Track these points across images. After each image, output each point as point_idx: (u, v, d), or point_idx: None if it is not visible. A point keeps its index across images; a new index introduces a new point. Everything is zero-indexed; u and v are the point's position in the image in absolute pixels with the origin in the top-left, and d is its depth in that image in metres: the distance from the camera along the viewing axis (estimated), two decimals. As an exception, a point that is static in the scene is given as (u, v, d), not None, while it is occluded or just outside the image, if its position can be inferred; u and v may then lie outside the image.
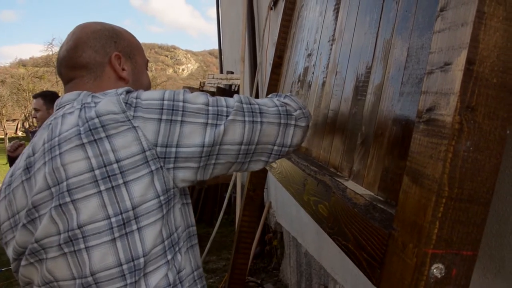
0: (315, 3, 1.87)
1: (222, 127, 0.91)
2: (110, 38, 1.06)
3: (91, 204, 0.84)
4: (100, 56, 1.04)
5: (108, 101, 0.88)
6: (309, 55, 1.82)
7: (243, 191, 4.78)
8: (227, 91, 6.55)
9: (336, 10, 1.54)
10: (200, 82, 8.46)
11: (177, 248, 0.94)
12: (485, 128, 0.67)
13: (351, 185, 1.06)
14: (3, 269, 4.85)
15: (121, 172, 0.84)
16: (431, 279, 0.69)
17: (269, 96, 1.11)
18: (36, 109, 3.34)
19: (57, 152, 0.86)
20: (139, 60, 1.13)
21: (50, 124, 0.95)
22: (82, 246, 0.84)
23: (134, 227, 0.86)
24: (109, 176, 0.84)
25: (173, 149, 0.87)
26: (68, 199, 0.84)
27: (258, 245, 4.44)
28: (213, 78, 7.60)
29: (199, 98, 0.93)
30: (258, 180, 2.47)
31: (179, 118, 0.88)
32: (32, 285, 0.95)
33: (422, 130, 0.73)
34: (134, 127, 0.86)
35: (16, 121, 39.51)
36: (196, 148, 0.89)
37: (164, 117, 0.87)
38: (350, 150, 1.18)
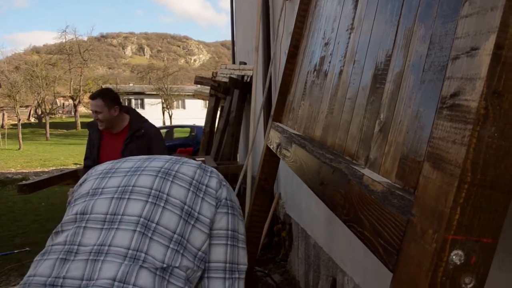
0: (334, -9, 1.85)
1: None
2: None
3: (173, 218, 1.19)
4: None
5: (212, 179, 1.35)
6: (326, 44, 1.81)
7: (253, 182, 4.78)
8: (240, 82, 6.54)
9: (356, -2, 1.52)
10: (213, 72, 8.47)
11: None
12: (511, 114, 0.66)
13: (367, 172, 1.05)
14: (15, 251, 4.92)
15: (196, 219, 1.24)
16: (450, 266, 0.68)
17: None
18: (96, 112, 2.97)
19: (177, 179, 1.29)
20: None
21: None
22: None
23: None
24: (189, 216, 1.23)
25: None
26: (160, 204, 1.20)
27: (266, 236, 4.45)
28: (225, 68, 7.59)
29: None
30: (270, 169, 2.48)
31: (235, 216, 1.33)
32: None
33: (445, 116, 0.73)
34: (216, 207, 1.30)
35: (29, 108, 39.92)
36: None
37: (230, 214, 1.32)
38: (367, 138, 1.17)
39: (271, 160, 2.44)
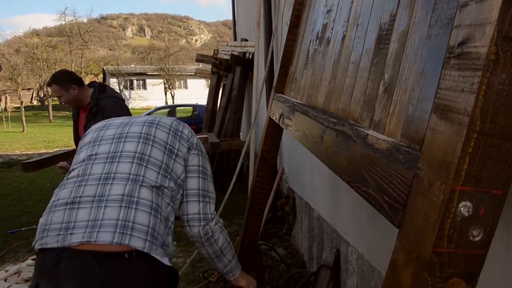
0: (336, -44, 1.80)
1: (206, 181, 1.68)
2: None
3: (157, 152, 1.56)
4: None
5: (185, 125, 1.73)
6: (329, 11, 1.77)
7: (256, 158, 4.78)
8: (241, 59, 6.48)
9: (359, -40, 1.48)
10: (214, 49, 8.39)
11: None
12: (522, 60, 0.64)
13: (372, 133, 1.04)
14: (23, 229, 4.97)
15: (176, 154, 1.59)
16: (457, 217, 0.67)
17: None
18: (57, 96, 3.21)
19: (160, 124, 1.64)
20: None
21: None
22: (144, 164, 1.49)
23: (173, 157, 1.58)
24: (171, 151, 1.59)
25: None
26: (148, 142, 1.54)
27: (270, 210, 4.47)
28: (227, 45, 7.52)
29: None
30: (273, 141, 2.47)
31: (200, 154, 1.67)
32: None
33: (453, 65, 0.71)
34: (189, 147, 1.67)
35: (31, 90, 39.84)
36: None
37: (199, 153, 1.68)
38: (371, 100, 1.15)
39: (273, 131, 2.43)
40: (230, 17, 9.21)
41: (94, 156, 1.50)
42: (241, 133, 7.21)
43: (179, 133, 1.62)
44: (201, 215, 1.58)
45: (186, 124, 1.70)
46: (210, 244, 1.61)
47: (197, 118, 13.65)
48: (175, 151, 1.56)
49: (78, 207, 1.34)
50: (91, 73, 36.42)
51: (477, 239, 0.69)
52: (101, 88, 3.16)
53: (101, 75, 38.27)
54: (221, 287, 3.20)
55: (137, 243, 1.29)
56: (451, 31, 0.78)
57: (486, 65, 0.63)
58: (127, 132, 1.56)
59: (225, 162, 6.49)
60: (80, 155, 1.55)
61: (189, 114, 15.42)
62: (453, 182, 0.66)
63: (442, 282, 0.69)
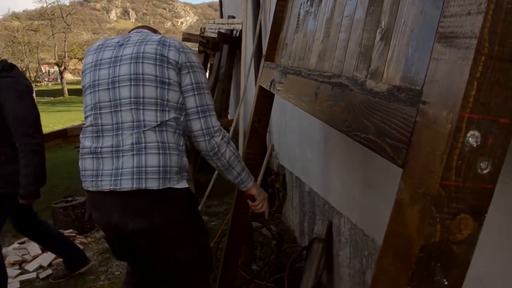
0: None
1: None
2: None
3: (149, 67, 1.63)
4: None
5: (171, 41, 1.69)
6: (320, -31, 1.72)
7: (245, 139, 4.74)
8: (229, 37, 6.39)
9: None
10: (201, 28, 8.26)
11: (182, 113, 1.72)
12: (534, -23, 0.60)
13: (370, 82, 1.00)
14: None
15: (167, 62, 1.65)
16: (466, 148, 0.64)
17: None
18: None
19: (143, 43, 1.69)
20: None
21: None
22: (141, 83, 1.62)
23: (166, 86, 1.64)
24: (161, 60, 1.65)
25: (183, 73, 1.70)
26: (137, 60, 1.63)
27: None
28: (214, 23, 7.40)
29: (202, 78, 1.73)
30: (263, 111, 2.43)
31: (191, 70, 1.68)
32: None
33: (459, -10, 0.67)
34: (179, 53, 1.68)
35: (13, 76, 38.95)
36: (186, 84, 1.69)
37: (188, 64, 1.70)
38: (367, 51, 1.11)
39: (264, 100, 2.38)
40: (216, -2, 9.05)
41: (99, 105, 1.66)
42: (229, 111, 7.15)
43: (166, 59, 1.62)
44: (204, 131, 1.68)
45: (172, 43, 1.67)
46: (218, 158, 1.72)
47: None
48: (166, 80, 1.61)
49: (102, 157, 1.61)
50: (75, 57, 35.77)
51: (485, 171, 0.66)
52: (6, 67, 2.78)
53: (85, 60, 37.45)
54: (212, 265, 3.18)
55: (152, 184, 1.56)
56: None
57: (495, -18, 0.59)
58: (117, 75, 1.63)
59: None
60: (86, 94, 1.72)
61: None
62: (461, 109, 0.62)
63: (450, 219, 0.66)
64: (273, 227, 4.08)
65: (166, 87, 1.61)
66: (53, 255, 3.53)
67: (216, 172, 4.53)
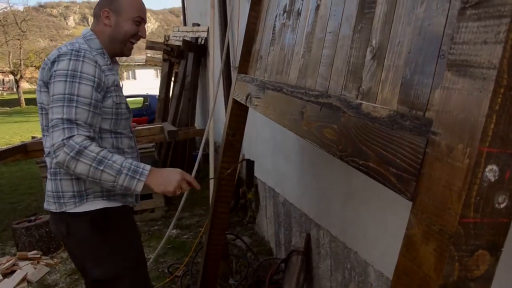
0: None
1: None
2: (109, 0, 1.69)
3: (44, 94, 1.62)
4: (100, 9, 1.71)
5: (54, 51, 1.62)
6: (296, -18, 1.68)
7: (215, 148, 4.65)
8: (194, 45, 6.30)
9: None
10: (165, 36, 8.11)
11: None
12: (551, 4, 0.57)
13: (365, 104, 0.96)
14: None
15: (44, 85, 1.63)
16: (484, 183, 0.60)
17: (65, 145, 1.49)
18: None
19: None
20: (124, 16, 1.70)
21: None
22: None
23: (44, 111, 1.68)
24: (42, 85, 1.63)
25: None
26: (38, 89, 1.64)
27: (232, 199, 4.37)
28: (178, 31, 7.28)
29: (59, 88, 1.54)
30: (238, 124, 2.37)
31: (51, 80, 1.58)
32: None
33: (470, 16, 0.63)
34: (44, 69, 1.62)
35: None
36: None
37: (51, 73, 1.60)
38: (357, 69, 1.07)
39: (238, 114, 2.33)
40: (177, 5, 8.96)
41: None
42: (196, 120, 7.04)
43: (40, 82, 1.62)
44: (51, 149, 1.51)
45: (47, 58, 1.63)
46: (77, 175, 1.51)
47: (148, 109, 13.24)
48: (43, 105, 1.62)
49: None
50: (31, 65, 34.52)
51: (502, 206, 0.63)
52: None
53: (43, 68, 36.27)
54: (188, 281, 3.09)
55: (51, 207, 1.66)
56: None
57: (514, 10, 0.56)
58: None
59: (181, 152, 6.32)
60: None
61: (140, 105, 14.91)
62: (480, 144, 0.59)
63: (468, 256, 0.62)
64: (247, 238, 4.02)
65: (44, 112, 1.63)
66: (17, 281, 3.33)
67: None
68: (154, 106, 10.74)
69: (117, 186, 1.49)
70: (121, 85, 1.79)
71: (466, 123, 0.61)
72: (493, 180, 0.61)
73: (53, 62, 1.56)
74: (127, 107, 1.78)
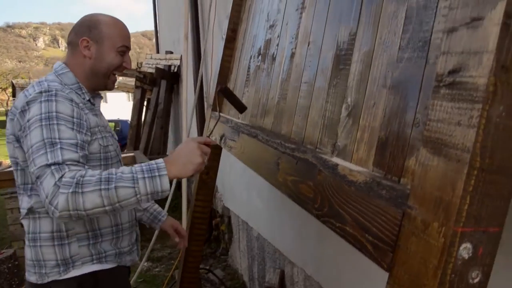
0: (276, -29, 1.75)
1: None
2: (87, 27, 1.47)
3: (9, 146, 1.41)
4: (77, 38, 1.47)
5: (21, 96, 1.37)
6: (272, 26, 1.71)
7: (191, 187, 4.60)
8: (167, 72, 6.29)
9: (305, -24, 1.43)
10: (137, 63, 8.08)
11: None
12: (518, 90, 0.60)
13: (339, 161, 0.97)
14: None
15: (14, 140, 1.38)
16: (458, 261, 0.62)
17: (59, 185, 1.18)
18: None
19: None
20: (106, 45, 1.47)
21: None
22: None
23: (18, 167, 1.41)
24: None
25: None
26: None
27: (205, 236, 4.31)
28: (151, 58, 7.27)
29: (34, 138, 1.27)
30: (211, 162, 2.35)
31: (23, 134, 1.32)
32: None
33: (444, 95, 0.65)
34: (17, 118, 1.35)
35: None
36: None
37: (22, 126, 1.33)
38: (332, 124, 1.09)
39: (212, 152, 2.31)
40: (149, 28, 9.01)
41: None
42: (168, 148, 6.98)
43: (11, 136, 1.39)
44: (46, 200, 1.17)
45: (13, 107, 1.37)
46: (92, 213, 1.18)
47: (120, 134, 13.03)
48: (18, 160, 1.39)
49: None
50: (-2, 87, 33.69)
51: (475, 281, 0.64)
52: None
53: (10, 89, 35.59)
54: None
55: (31, 278, 1.42)
56: (427, 54, 0.74)
57: (485, 97, 0.58)
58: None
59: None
60: None
61: (111, 130, 14.72)
62: (454, 224, 0.60)
63: (442, 333, 0.63)
64: (219, 270, 3.96)
65: (18, 168, 1.39)
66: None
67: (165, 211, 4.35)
68: (126, 131, 10.59)
69: (142, 198, 1.18)
70: (106, 124, 1.56)
71: (441, 201, 0.62)
72: (467, 257, 0.62)
73: (22, 112, 1.32)
74: (116, 149, 1.55)
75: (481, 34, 0.60)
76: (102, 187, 1.14)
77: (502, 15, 0.57)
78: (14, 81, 34.78)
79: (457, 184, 0.60)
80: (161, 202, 5.86)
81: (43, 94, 1.31)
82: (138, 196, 1.16)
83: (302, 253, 2.32)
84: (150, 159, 4.96)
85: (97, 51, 1.46)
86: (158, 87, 6.41)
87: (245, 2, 2.19)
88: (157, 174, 1.18)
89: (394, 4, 0.91)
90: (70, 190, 1.13)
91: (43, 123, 1.26)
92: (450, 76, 0.64)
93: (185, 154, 1.24)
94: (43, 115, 1.27)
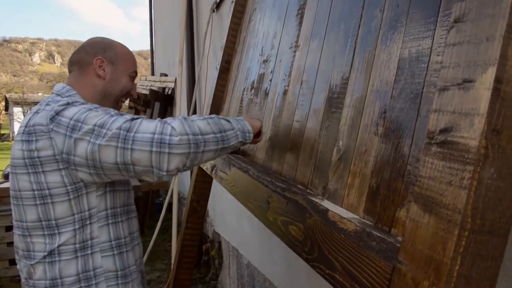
0: (272, 6, 1.78)
1: (96, 147, 1.14)
2: (101, 47, 1.42)
3: (23, 178, 1.22)
4: (89, 57, 1.39)
5: (42, 115, 1.22)
6: (265, 61, 1.73)
7: (179, 198, 4.57)
8: (160, 94, 6.31)
9: (300, 15, 1.45)
10: (131, 83, 8.10)
11: (87, 222, 1.26)
12: (508, 153, 0.60)
13: (330, 206, 0.97)
14: None
15: (40, 164, 1.20)
16: (449, 323, 0.61)
17: (164, 120, 1.19)
18: None
19: (16, 139, 1.27)
20: (120, 68, 1.43)
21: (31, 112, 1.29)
22: (21, 203, 1.25)
23: (49, 200, 1.21)
24: (33, 165, 1.20)
25: (71, 157, 1.17)
26: (13, 171, 1.26)
27: (194, 264, 4.26)
28: (145, 80, 7.30)
29: (93, 120, 1.16)
30: (202, 190, 2.35)
31: (75, 136, 1.16)
32: None
33: (435, 153, 0.66)
34: (51, 137, 1.18)
35: None
36: (81, 159, 1.17)
37: (68, 133, 1.17)
38: (323, 166, 1.09)
39: (203, 180, 2.31)
40: (144, 48, 9.08)
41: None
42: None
43: (36, 159, 1.19)
44: (153, 161, 1.13)
45: (37, 124, 1.20)
46: (204, 143, 1.18)
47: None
48: (46, 191, 1.20)
49: None
50: (-10, 101, 33.57)
51: None
52: None
53: (3, 103, 35.47)
54: None
55: None
56: (419, 106, 0.75)
57: (477, 159, 0.59)
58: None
59: (143, 204, 6.17)
60: None
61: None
62: (445, 285, 0.60)
63: None
64: (208, 297, 3.90)
65: (49, 200, 1.21)
66: None
67: (154, 235, 4.31)
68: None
69: (238, 133, 1.28)
70: None
71: (431, 260, 0.62)
72: (457, 320, 0.61)
73: (55, 123, 1.18)
74: None
75: (472, 97, 0.61)
76: (206, 117, 1.24)
77: (492, 80, 0.58)
78: (7, 95, 34.68)
79: (448, 244, 0.60)
80: (152, 223, 5.80)
81: (70, 103, 1.23)
82: (235, 130, 1.28)
83: (292, 283, 2.30)
84: (141, 181, 4.91)
85: (112, 73, 1.40)
86: (152, 108, 6.43)
87: (240, 34, 2.22)
88: (242, 119, 1.34)
89: (386, 53, 0.92)
90: (180, 118, 1.19)
91: (92, 108, 1.20)
92: (442, 135, 0.65)
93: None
94: (84, 108, 1.20)
